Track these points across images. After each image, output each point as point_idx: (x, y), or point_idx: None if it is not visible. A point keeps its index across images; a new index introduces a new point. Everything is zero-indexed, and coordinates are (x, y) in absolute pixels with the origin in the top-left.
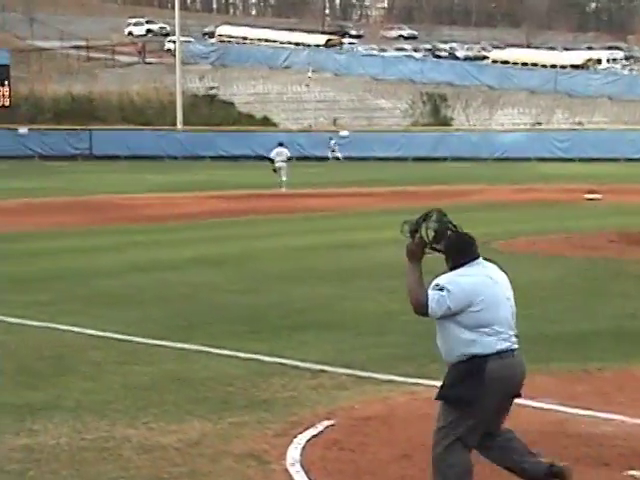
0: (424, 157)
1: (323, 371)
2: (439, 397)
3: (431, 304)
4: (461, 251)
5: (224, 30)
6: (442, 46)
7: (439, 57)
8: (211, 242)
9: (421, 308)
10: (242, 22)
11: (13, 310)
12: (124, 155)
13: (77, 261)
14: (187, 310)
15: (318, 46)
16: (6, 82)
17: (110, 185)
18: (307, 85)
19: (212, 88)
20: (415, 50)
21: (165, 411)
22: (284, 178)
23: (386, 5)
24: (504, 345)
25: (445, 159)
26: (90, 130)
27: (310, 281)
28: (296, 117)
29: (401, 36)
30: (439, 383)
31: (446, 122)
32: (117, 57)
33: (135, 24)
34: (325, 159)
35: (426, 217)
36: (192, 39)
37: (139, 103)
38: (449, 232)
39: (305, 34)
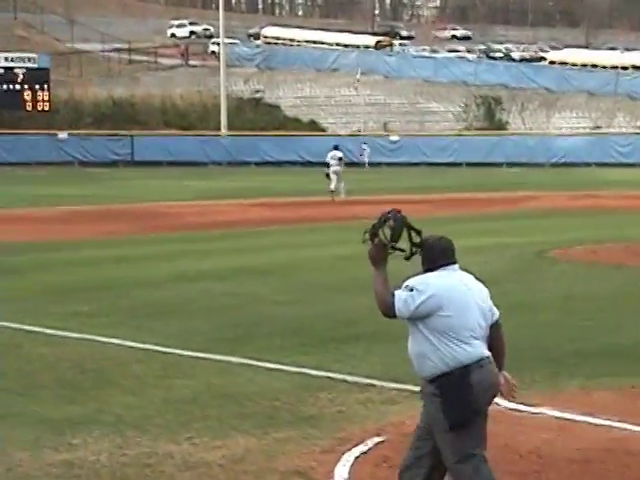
0: (478, 162)
1: (372, 385)
2: (451, 427)
3: (397, 304)
4: (437, 254)
5: (270, 31)
6: (497, 47)
7: (494, 58)
8: (257, 251)
9: (388, 310)
10: (288, 23)
11: (53, 321)
12: (166, 161)
13: (118, 271)
14: (232, 322)
15: (367, 47)
16: (46, 86)
17: (152, 192)
18: (356, 88)
19: (257, 91)
20: (468, 51)
21: (208, 426)
22: (342, 184)
23: (438, 4)
24: (479, 353)
25: (500, 164)
26: (131, 135)
27: (358, 292)
28: (345, 121)
29: (454, 37)
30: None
31: (501, 126)
32: (159, 60)
33: (178, 26)
34: (376, 164)
35: (382, 219)
36: (237, 41)
37: (182, 107)
38: (411, 233)
39: (354, 35)
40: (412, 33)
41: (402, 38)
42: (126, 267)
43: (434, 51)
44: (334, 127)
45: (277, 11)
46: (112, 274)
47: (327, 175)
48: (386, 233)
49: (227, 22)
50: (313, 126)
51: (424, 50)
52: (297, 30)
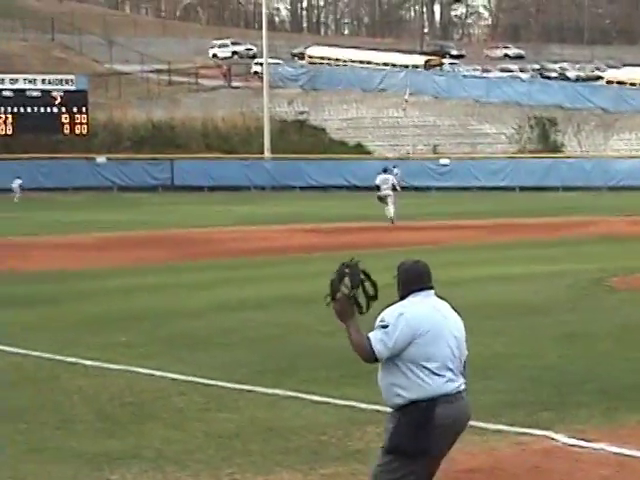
0: (532, 186)
1: None
2: (388, 450)
3: (376, 348)
4: (412, 279)
5: (315, 51)
6: (551, 66)
7: (548, 78)
8: (301, 279)
9: (369, 356)
10: (334, 42)
11: (90, 352)
12: (207, 186)
13: (158, 300)
14: (276, 353)
15: (416, 67)
16: (84, 108)
17: (192, 218)
18: (404, 109)
19: (302, 113)
20: (522, 70)
21: (251, 462)
22: (392, 209)
23: (490, 22)
24: (451, 386)
25: (555, 188)
26: (171, 159)
27: None
28: (392, 144)
29: (506, 55)
30: (551, 433)
31: (556, 148)
32: (201, 81)
33: (220, 46)
34: (425, 189)
35: (340, 273)
36: (280, 61)
37: (224, 130)
38: (366, 285)
39: (402, 54)
40: (463, 52)
41: (452, 57)
42: (165, 295)
43: (486, 70)
44: (381, 150)
45: (322, 30)
46: (151, 303)
47: (379, 198)
48: (347, 284)
49: (270, 42)
50: (359, 149)
51: (475, 69)
52: (343, 49)
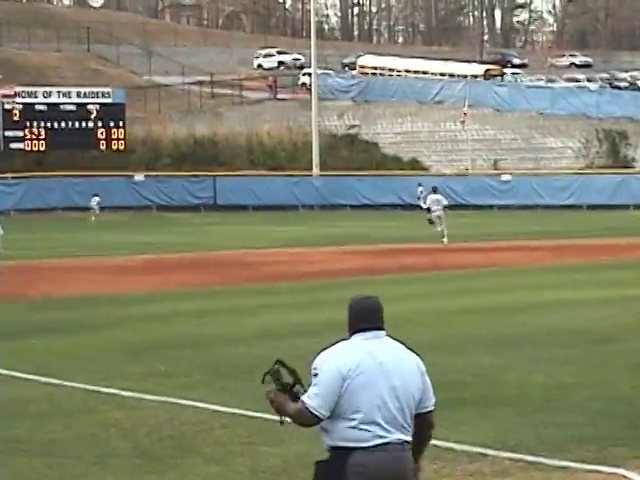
0: (601, 204)
1: (483, 455)
2: None
3: (312, 405)
4: (356, 318)
5: (367, 60)
6: (622, 75)
7: (618, 88)
8: None
9: (310, 419)
10: (387, 51)
11: (128, 383)
12: (252, 205)
13: (198, 326)
14: None
15: (475, 77)
16: (121, 123)
17: (235, 239)
18: (463, 122)
19: (353, 127)
20: (589, 80)
21: None
22: (445, 230)
23: (555, 28)
24: (377, 442)
25: (626, 207)
26: (214, 176)
27: (466, 350)
28: (450, 159)
29: (573, 64)
30: (623, 471)
31: (627, 163)
32: (245, 93)
33: (265, 56)
34: (486, 207)
35: (273, 370)
36: (330, 71)
37: (270, 145)
38: (283, 369)
39: (460, 64)
40: (525, 61)
41: (514, 66)
42: (207, 322)
43: (550, 80)
44: (438, 166)
45: (375, 38)
46: (191, 330)
47: (430, 221)
48: (276, 382)
49: (319, 51)
50: (415, 165)
51: (539, 79)
52: (397, 59)
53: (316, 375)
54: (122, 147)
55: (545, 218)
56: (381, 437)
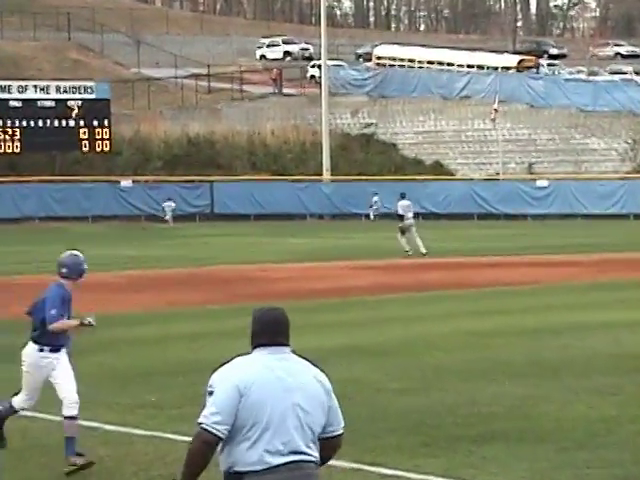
0: None
1: None
2: None
3: (208, 423)
4: (258, 331)
5: (384, 51)
6: None
7: None
8: (367, 326)
9: (210, 439)
10: (407, 40)
11: (113, 415)
12: (254, 214)
13: (193, 351)
14: None
15: (508, 69)
16: (106, 121)
17: (236, 252)
18: (493, 120)
19: (368, 125)
20: (637, 73)
21: None
22: (422, 247)
23: (598, 14)
24: (274, 461)
25: None
26: (211, 182)
27: (497, 377)
28: (478, 162)
29: (618, 54)
30: None
31: None
32: (246, 87)
33: (269, 45)
34: (519, 217)
35: None
36: (342, 63)
37: (274, 146)
38: None
39: (490, 54)
40: (564, 51)
41: (551, 57)
42: (202, 346)
43: (592, 73)
44: (465, 170)
45: (393, 25)
46: (184, 355)
47: (402, 230)
48: None
49: (330, 40)
50: (438, 169)
51: (579, 72)
52: (418, 49)
53: (211, 393)
54: (107, 148)
55: (586, 229)
56: (279, 457)
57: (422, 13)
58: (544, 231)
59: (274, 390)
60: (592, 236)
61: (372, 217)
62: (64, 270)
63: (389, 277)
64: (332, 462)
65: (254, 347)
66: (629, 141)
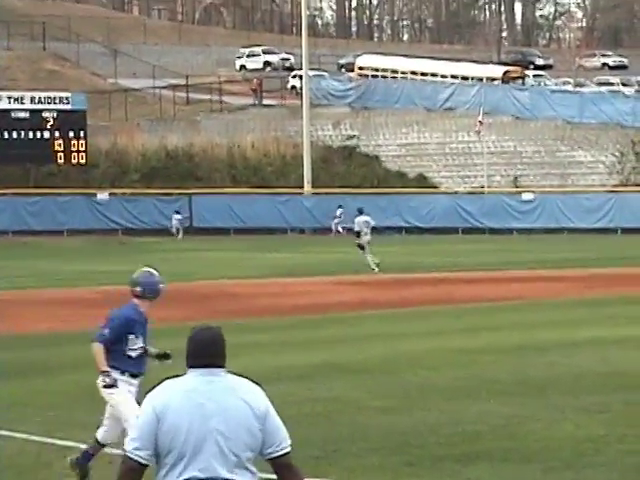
0: (638, 228)
1: None
2: None
3: (129, 449)
4: (190, 352)
5: (367, 61)
6: None
7: None
8: (349, 343)
9: (132, 466)
10: (390, 51)
11: (88, 433)
12: (234, 227)
13: (171, 369)
14: (318, 434)
15: (493, 80)
16: (82, 133)
17: (215, 267)
18: (478, 132)
19: (350, 137)
20: (624, 84)
21: None
22: (375, 259)
23: (584, 24)
24: None
25: None
26: (190, 195)
27: (481, 395)
28: (463, 175)
29: (605, 65)
30: None
31: None
32: (225, 98)
33: (249, 55)
34: (504, 231)
35: None
36: (324, 73)
37: (254, 159)
38: None
39: (475, 65)
40: (550, 61)
41: (537, 68)
42: (180, 363)
43: (579, 84)
44: (449, 183)
45: (376, 36)
46: (162, 373)
47: (360, 246)
48: None
49: (312, 50)
50: (422, 182)
51: (566, 83)
52: (401, 59)
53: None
54: (83, 161)
55: (573, 243)
56: None
57: (405, 23)
58: (530, 246)
59: (191, 415)
60: (579, 251)
61: (335, 231)
62: (138, 289)
63: (371, 293)
64: None
65: (189, 367)
66: (616, 154)
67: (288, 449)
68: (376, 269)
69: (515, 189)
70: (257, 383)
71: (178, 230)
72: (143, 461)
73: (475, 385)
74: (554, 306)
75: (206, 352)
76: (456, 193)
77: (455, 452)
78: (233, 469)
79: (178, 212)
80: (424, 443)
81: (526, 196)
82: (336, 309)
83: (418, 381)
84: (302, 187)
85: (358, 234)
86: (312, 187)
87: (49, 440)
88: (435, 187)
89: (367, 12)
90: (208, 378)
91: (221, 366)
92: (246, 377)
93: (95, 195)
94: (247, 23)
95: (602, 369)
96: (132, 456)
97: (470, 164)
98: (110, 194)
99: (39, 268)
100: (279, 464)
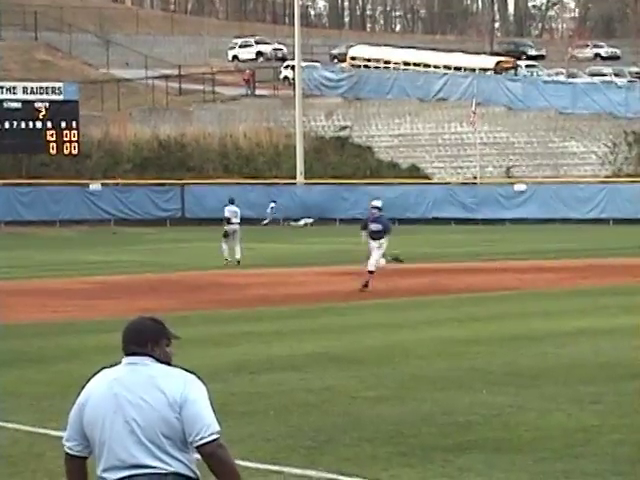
0: (630, 218)
1: None
2: None
3: (63, 442)
4: (122, 340)
5: (359, 51)
6: None
7: None
8: (342, 333)
9: (66, 458)
10: (383, 41)
11: None
12: (226, 218)
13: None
14: (310, 424)
15: (485, 71)
16: (74, 123)
17: (208, 258)
18: (471, 123)
19: (343, 128)
20: (617, 74)
21: None
22: (238, 254)
23: (577, 14)
24: (112, 475)
25: None
26: (182, 185)
27: (474, 386)
28: (455, 166)
29: (598, 55)
30: None
31: None
32: (218, 89)
33: (242, 45)
34: (497, 222)
35: None
36: (317, 64)
37: (247, 149)
38: None
39: (467, 55)
40: (543, 52)
41: (530, 58)
42: (174, 354)
43: (572, 75)
44: (442, 174)
45: (368, 26)
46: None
47: (225, 234)
48: None
49: (304, 40)
50: (414, 172)
51: (558, 73)
52: (394, 49)
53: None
54: (75, 151)
55: (565, 234)
56: (115, 472)
57: (398, 13)
58: (522, 236)
59: (107, 406)
60: (571, 241)
61: (267, 221)
62: None
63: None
64: (307, 472)
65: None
66: (609, 144)
67: (209, 438)
68: (229, 259)
69: (508, 179)
70: (193, 373)
71: (270, 219)
72: (70, 451)
73: (468, 375)
74: (547, 296)
75: (131, 340)
76: (449, 184)
77: (447, 442)
78: (157, 455)
79: (274, 201)
80: (417, 433)
81: (519, 187)
82: (329, 299)
83: (411, 371)
84: (294, 177)
85: (228, 221)
86: (305, 177)
87: (41, 430)
88: (428, 178)
89: (360, 2)
90: (132, 367)
91: (147, 354)
92: (182, 367)
93: (87, 185)
94: (239, 13)
95: (595, 359)
96: (64, 445)
97: (463, 155)
98: (102, 184)
99: (31, 258)
100: (202, 453)
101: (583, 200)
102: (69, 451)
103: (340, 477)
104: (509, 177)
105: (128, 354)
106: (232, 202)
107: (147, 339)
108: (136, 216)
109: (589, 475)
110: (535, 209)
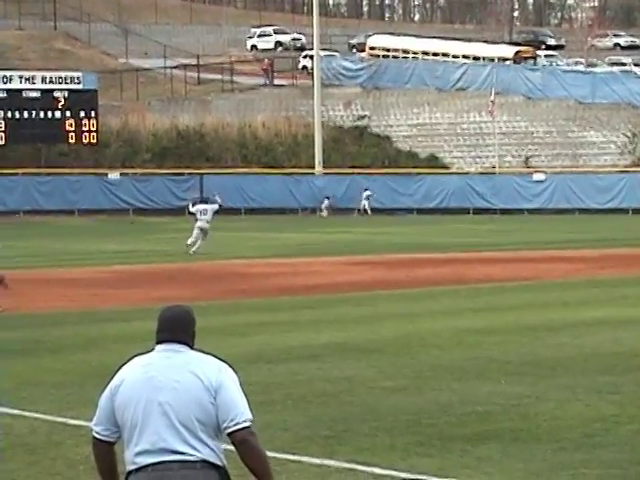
0: None
1: None
2: None
3: (92, 425)
4: (157, 328)
5: (378, 41)
6: None
7: None
8: (360, 323)
9: (94, 444)
10: (401, 31)
11: None
12: (245, 207)
13: None
14: (328, 414)
15: (504, 60)
16: (93, 113)
17: (226, 247)
18: (490, 113)
19: (362, 118)
20: (636, 64)
21: None
22: (198, 243)
23: (597, 4)
24: (144, 460)
25: None
26: (201, 175)
27: (492, 376)
28: (474, 155)
29: (617, 45)
30: None
31: None
32: (236, 78)
33: (260, 35)
34: (515, 211)
35: None
36: (335, 53)
37: (265, 139)
38: None
39: (487, 45)
40: (562, 41)
41: (549, 48)
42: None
43: (591, 64)
44: (460, 163)
45: (387, 15)
46: None
47: (202, 229)
48: None
49: (323, 30)
50: (433, 162)
51: (578, 63)
52: (413, 39)
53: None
54: (94, 140)
55: (584, 224)
56: (146, 457)
57: (417, 2)
58: (541, 226)
59: (141, 389)
60: (590, 231)
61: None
62: None
63: (383, 273)
64: (325, 461)
65: (156, 344)
66: (628, 134)
67: (243, 425)
68: (190, 250)
69: (526, 169)
70: (225, 362)
71: (366, 208)
72: (99, 436)
73: (486, 365)
74: (565, 286)
75: (170, 328)
76: (467, 173)
77: (466, 432)
78: (187, 440)
79: (367, 189)
80: (435, 423)
81: (537, 176)
82: (347, 289)
83: (429, 361)
84: (313, 167)
85: (197, 218)
86: (323, 167)
87: (60, 419)
88: (446, 167)
89: None
90: (167, 354)
91: (183, 342)
92: (215, 356)
93: (106, 175)
94: (258, 3)
95: (613, 349)
96: (92, 431)
97: (481, 144)
98: (121, 174)
99: (50, 247)
100: (234, 439)
101: (602, 190)
102: (97, 435)
103: (358, 467)
104: (528, 167)
105: (162, 341)
106: (206, 201)
107: (182, 327)
108: (155, 206)
109: (608, 465)
110: (554, 199)
